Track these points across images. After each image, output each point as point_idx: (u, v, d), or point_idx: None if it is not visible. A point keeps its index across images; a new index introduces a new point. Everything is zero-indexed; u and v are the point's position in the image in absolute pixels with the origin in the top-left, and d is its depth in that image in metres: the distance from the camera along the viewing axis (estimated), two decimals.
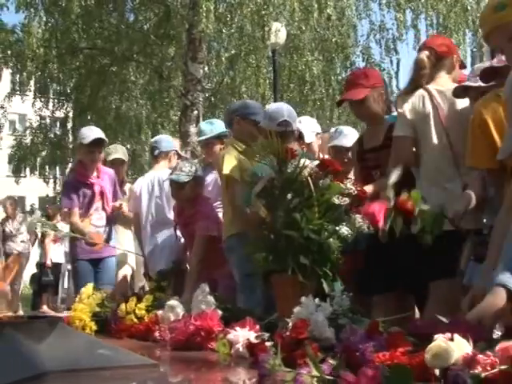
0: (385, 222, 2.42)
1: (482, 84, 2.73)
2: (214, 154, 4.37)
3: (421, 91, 2.97)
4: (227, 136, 4.31)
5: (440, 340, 1.42)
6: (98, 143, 4.66)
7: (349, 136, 3.88)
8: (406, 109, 2.97)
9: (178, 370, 2.07)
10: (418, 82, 3.01)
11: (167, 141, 4.94)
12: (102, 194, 4.69)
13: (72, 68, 13.15)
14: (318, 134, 4.22)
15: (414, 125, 2.95)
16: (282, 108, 3.57)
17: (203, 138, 4.50)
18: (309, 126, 4.10)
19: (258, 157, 2.67)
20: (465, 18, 11.81)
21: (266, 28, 10.42)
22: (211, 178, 4.37)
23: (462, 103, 2.92)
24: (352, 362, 1.54)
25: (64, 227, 10.51)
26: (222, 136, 4.38)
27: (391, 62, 12.91)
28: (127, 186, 5.20)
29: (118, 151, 5.19)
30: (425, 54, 3.05)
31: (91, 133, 4.72)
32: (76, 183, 4.67)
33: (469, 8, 11.89)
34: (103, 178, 4.74)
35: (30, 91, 13.88)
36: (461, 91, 2.89)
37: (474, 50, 11.99)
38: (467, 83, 2.82)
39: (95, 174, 4.71)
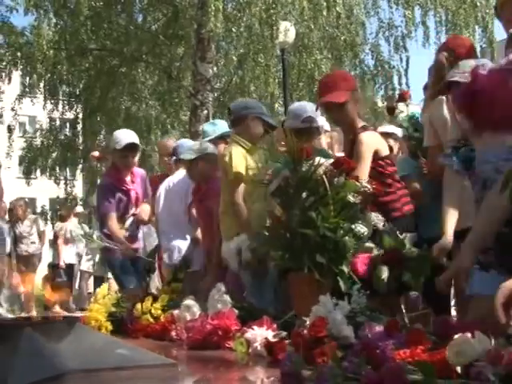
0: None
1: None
2: (218, 154, 4.38)
3: (439, 97, 2.95)
4: (230, 136, 4.26)
5: (461, 337, 1.42)
6: (131, 148, 4.57)
7: None
8: (428, 117, 2.98)
9: (197, 370, 2.08)
10: (438, 84, 2.98)
11: (189, 151, 4.50)
12: (137, 199, 4.69)
13: (81, 69, 13.21)
14: (326, 131, 4.21)
15: (436, 132, 2.95)
16: (305, 105, 3.58)
17: (207, 139, 4.50)
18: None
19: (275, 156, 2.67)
20: (474, 15, 11.75)
21: (274, 27, 10.41)
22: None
23: None
24: (372, 359, 1.53)
25: (78, 228, 10.59)
26: (225, 136, 4.37)
27: (400, 59, 12.88)
28: None
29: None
30: (443, 56, 3.04)
31: (124, 137, 4.61)
32: (112, 187, 4.58)
33: (478, 4, 11.83)
34: (137, 182, 4.70)
35: (40, 93, 13.94)
36: (445, 87, 2.84)
37: (484, 46, 11.94)
38: (453, 79, 2.78)
39: (129, 178, 4.64)
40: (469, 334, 1.44)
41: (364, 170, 2.87)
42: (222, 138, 4.42)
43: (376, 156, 3.04)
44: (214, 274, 3.95)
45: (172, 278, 3.59)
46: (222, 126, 4.54)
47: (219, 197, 3.81)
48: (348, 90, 3.14)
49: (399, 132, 4.07)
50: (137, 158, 4.78)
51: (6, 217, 9.92)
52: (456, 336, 1.44)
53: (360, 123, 3.17)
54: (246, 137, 3.76)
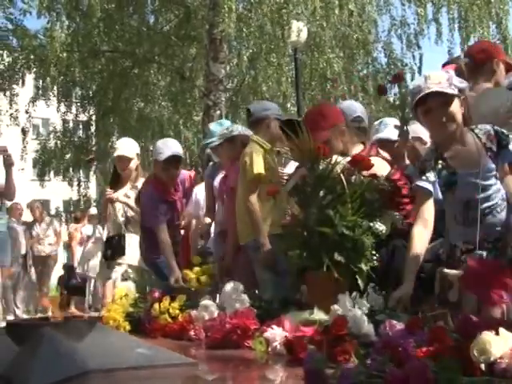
0: None
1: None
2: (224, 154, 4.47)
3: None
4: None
5: (485, 334, 1.41)
6: (174, 160, 4.39)
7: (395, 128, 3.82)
8: None
9: (217, 369, 2.08)
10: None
11: (215, 139, 4.65)
12: (182, 208, 4.70)
13: (94, 71, 13.25)
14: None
15: None
16: (354, 104, 3.55)
17: (215, 138, 4.53)
18: None
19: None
20: (488, 11, 11.65)
21: (286, 27, 10.39)
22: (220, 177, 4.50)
23: None
24: (395, 357, 1.52)
25: (89, 229, 10.64)
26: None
27: (413, 57, 12.81)
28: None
29: (125, 147, 5.01)
30: (463, 62, 3.03)
31: (167, 149, 4.40)
32: (158, 198, 4.42)
33: (492, 0, 11.74)
34: (180, 190, 4.64)
35: (54, 96, 14.00)
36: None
37: (498, 42, 11.85)
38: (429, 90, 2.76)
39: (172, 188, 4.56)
40: (493, 332, 1.43)
41: None
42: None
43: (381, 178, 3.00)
44: (230, 255, 3.98)
45: (202, 262, 3.65)
46: (227, 126, 4.61)
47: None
48: (328, 127, 3.10)
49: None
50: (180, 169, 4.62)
51: (22, 218, 10.03)
52: (480, 334, 1.43)
53: (354, 150, 3.13)
54: (266, 137, 3.82)
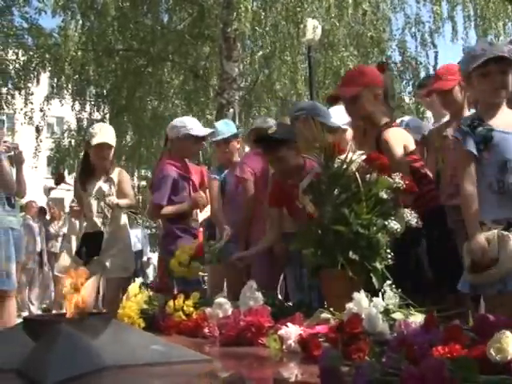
0: None
1: None
2: (231, 152, 4.54)
3: None
4: (238, 136, 4.66)
5: (502, 333, 1.40)
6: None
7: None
8: None
9: (231, 366, 2.08)
10: None
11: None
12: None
13: (108, 70, 13.30)
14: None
15: None
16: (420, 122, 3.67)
17: (220, 137, 4.57)
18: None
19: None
20: (504, 8, 11.54)
21: (300, 25, 10.37)
22: (230, 177, 4.45)
23: None
24: (410, 355, 1.52)
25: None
26: (237, 135, 4.65)
27: (427, 55, 12.73)
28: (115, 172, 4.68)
29: (106, 133, 4.64)
30: None
31: (197, 126, 4.46)
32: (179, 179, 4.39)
33: None
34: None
35: (68, 94, 14.07)
36: None
37: None
38: None
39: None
40: (509, 331, 1.42)
41: (400, 168, 2.73)
42: (235, 137, 4.60)
43: (405, 152, 3.01)
44: (242, 248, 3.97)
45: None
46: (233, 126, 4.71)
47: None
48: (362, 84, 3.07)
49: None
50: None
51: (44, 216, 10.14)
52: (496, 333, 1.42)
53: (383, 120, 3.09)
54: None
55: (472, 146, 2.58)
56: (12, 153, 4.79)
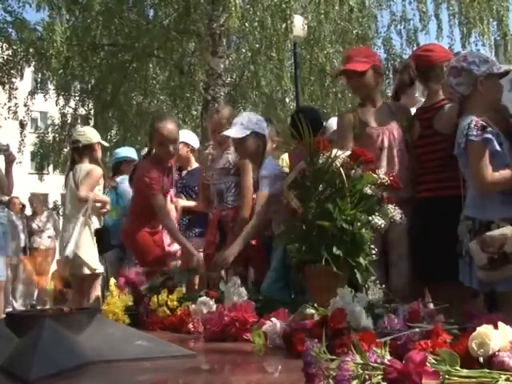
0: None
1: None
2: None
3: None
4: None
5: (484, 328, 1.41)
6: None
7: None
8: None
9: (215, 361, 2.08)
10: None
11: None
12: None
13: (93, 65, 13.21)
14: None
15: None
16: None
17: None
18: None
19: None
20: (488, 7, 11.59)
21: (288, 21, 10.34)
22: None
23: None
24: (394, 350, 1.53)
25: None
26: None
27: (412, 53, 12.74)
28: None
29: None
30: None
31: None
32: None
33: None
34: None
35: (53, 89, 13.96)
36: None
37: (498, 38, 11.80)
38: None
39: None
40: (491, 326, 1.44)
41: None
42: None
43: None
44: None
45: None
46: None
47: None
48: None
49: None
50: None
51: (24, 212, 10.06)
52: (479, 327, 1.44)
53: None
54: None
55: (498, 146, 2.68)
56: (2, 153, 4.80)
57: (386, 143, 3.20)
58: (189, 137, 5.04)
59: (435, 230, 2.97)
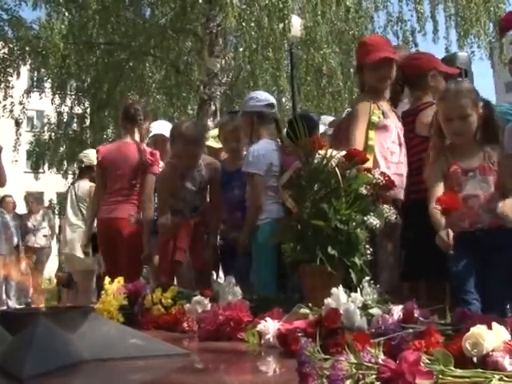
0: None
1: None
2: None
3: None
4: None
5: (478, 328, 1.41)
6: None
7: None
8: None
9: (209, 360, 2.08)
10: None
11: None
12: None
13: (89, 64, 13.19)
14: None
15: None
16: None
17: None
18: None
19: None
20: (485, 8, 11.61)
21: (286, 21, 10.34)
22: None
23: None
24: (388, 349, 1.53)
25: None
26: None
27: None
28: None
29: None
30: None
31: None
32: None
33: None
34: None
35: (49, 88, 13.94)
36: None
37: (493, 40, 11.82)
38: None
39: None
40: (485, 326, 1.44)
41: None
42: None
43: None
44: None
45: None
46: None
47: None
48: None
49: None
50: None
51: (16, 211, 10.02)
52: (473, 327, 1.44)
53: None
54: None
55: None
56: None
57: (402, 139, 3.22)
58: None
59: (416, 231, 3.01)
